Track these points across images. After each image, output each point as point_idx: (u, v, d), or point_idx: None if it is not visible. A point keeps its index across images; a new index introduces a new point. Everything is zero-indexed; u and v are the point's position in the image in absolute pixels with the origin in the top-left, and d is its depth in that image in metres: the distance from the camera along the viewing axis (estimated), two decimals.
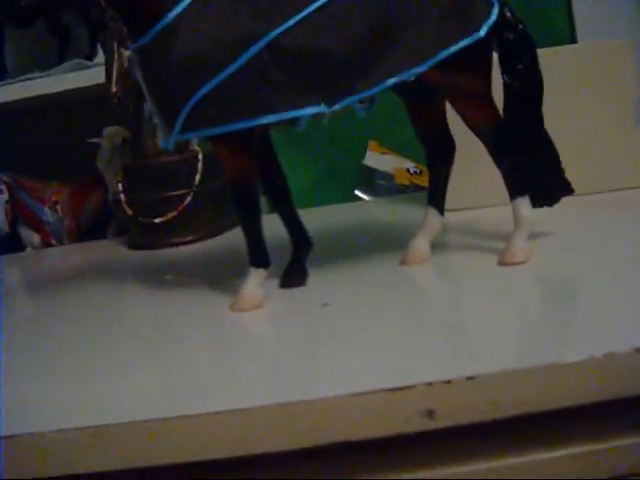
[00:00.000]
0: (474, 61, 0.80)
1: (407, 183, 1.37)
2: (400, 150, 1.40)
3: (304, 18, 0.76)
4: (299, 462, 0.61)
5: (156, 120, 0.85)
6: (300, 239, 0.88)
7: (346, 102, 0.79)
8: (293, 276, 0.87)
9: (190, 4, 0.75)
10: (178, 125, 0.77)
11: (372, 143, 1.41)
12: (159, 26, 0.76)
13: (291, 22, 0.76)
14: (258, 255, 0.83)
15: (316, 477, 0.61)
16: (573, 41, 1.35)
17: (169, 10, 0.76)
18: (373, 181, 1.39)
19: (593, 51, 1.06)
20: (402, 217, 1.15)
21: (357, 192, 1.39)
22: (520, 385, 0.58)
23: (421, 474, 0.60)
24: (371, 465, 0.61)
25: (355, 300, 0.82)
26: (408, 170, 1.38)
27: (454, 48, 0.78)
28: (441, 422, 0.58)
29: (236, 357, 0.74)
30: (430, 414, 0.57)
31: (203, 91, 0.75)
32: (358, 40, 0.77)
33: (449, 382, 0.58)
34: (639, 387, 0.58)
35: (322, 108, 0.78)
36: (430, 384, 0.58)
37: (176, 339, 0.81)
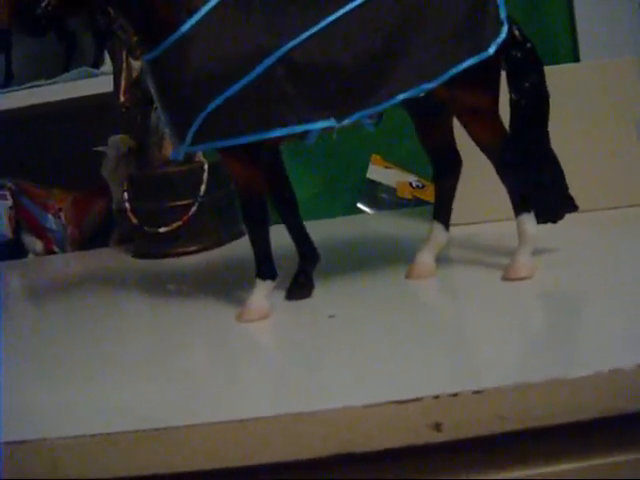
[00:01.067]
0: (482, 78, 0.81)
1: (409, 197, 1.38)
2: (402, 164, 1.40)
3: (317, 33, 0.76)
4: (305, 473, 0.61)
5: (167, 131, 0.85)
6: (307, 251, 0.89)
7: (356, 117, 0.79)
8: (299, 288, 0.88)
9: (204, 17, 0.76)
10: (189, 137, 0.78)
11: (375, 157, 1.41)
12: (172, 38, 0.76)
13: (304, 36, 0.76)
14: (265, 267, 0.83)
15: None
16: (576, 59, 1.36)
17: (183, 22, 0.76)
18: (376, 194, 1.40)
19: (598, 69, 1.07)
20: (404, 231, 1.16)
21: (359, 205, 1.39)
22: (526, 399, 0.58)
23: None
24: (378, 477, 0.61)
25: (361, 313, 0.82)
26: (410, 184, 1.39)
27: (464, 65, 0.79)
28: (448, 435, 0.58)
29: (242, 368, 0.75)
30: (437, 427, 0.58)
31: (215, 103, 0.76)
32: (369, 56, 0.77)
33: (456, 395, 0.58)
34: None
35: (332, 122, 0.79)
36: (437, 397, 0.58)
37: (181, 348, 0.81)
